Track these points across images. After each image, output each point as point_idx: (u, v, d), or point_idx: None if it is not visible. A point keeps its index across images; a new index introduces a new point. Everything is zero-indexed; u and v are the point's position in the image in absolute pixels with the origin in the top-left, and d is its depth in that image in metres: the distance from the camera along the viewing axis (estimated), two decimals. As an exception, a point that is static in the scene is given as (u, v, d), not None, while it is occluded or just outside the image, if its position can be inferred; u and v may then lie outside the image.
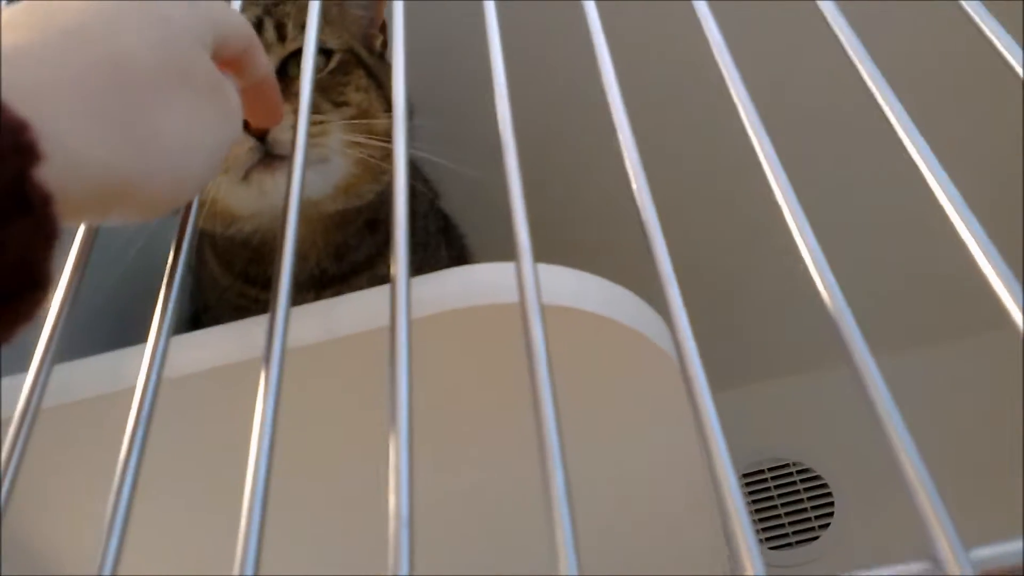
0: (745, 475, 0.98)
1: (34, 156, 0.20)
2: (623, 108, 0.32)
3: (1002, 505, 0.72)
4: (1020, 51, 0.27)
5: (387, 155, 0.56)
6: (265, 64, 0.35)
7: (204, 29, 0.30)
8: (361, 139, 0.55)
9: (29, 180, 0.20)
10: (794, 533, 0.93)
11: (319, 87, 0.55)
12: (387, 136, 0.57)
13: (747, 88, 0.31)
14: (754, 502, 0.96)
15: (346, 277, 0.62)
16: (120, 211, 0.25)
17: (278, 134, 0.50)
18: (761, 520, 0.95)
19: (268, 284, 0.28)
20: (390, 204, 0.30)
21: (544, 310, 0.26)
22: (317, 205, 0.58)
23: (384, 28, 0.65)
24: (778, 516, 0.95)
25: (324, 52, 0.58)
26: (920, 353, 0.98)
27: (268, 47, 0.54)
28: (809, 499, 0.95)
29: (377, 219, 0.62)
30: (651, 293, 0.29)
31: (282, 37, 0.56)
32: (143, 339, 0.28)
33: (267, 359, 0.26)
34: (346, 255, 0.62)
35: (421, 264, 0.67)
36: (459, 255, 0.79)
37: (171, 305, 0.29)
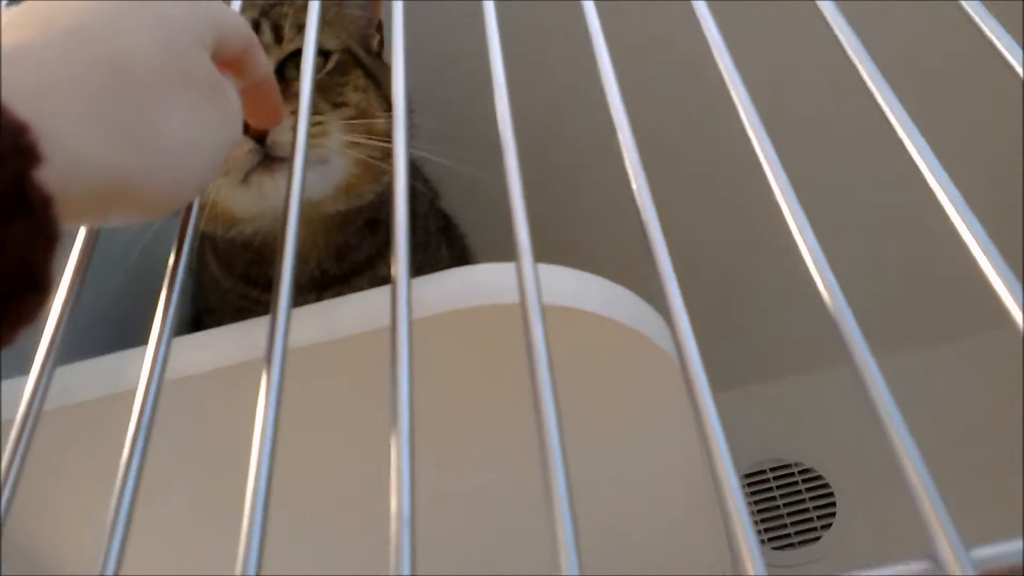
0: (747, 475, 0.98)
1: (34, 158, 0.20)
2: (623, 108, 0.32)
3: (1003, 505, 0.72)
4: (1020, 51, 0.27)
5: (387, 155, 0.56)
6: (265, 65, 0.35)
7: (204, 30, 0.30)
8: (360, 139, 0.55)
9: (29, 182, 0.20)
10: (796, 533, 0.93)
11: (317, 88, 0.55)
12: (386, 136, 0.57)
13: (747, 88, 0.31)
14: (756, 502, 0.96)
15: (347, 278, 0.62)
16: (120, 212, 0.25)
17: (277, 136, 0.50)
18: (763, 520, 0.95)
19: (269, 285, 0.28)
20: (390, 204, 0.30)
21: (545, 310, 0.26)
22: (318, 206, 0.58)
23: (381, 28, 0.65)
24: (780, 516, 0.95)
25: (322, 53, 0.58)
26: (921, 353, 0.98)
27: (265, 49, 0.54)
28: (811, 499, 0.95)
29: (377, 219, 0.62)
30: (652, 293, 0.29)
31: (279, 39, 0.56)
32: (144, 341, 0.28)
33: (268, 360, 0.26)
34: (347, 256, 0.62)
35: (422, 264, 0.67)
36: (460, 255, 0.79)
37: (172, 307, 0.29)
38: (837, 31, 0.32)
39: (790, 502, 0.96)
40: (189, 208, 0.33)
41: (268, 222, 0.57)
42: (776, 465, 0.98)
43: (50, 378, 0.27)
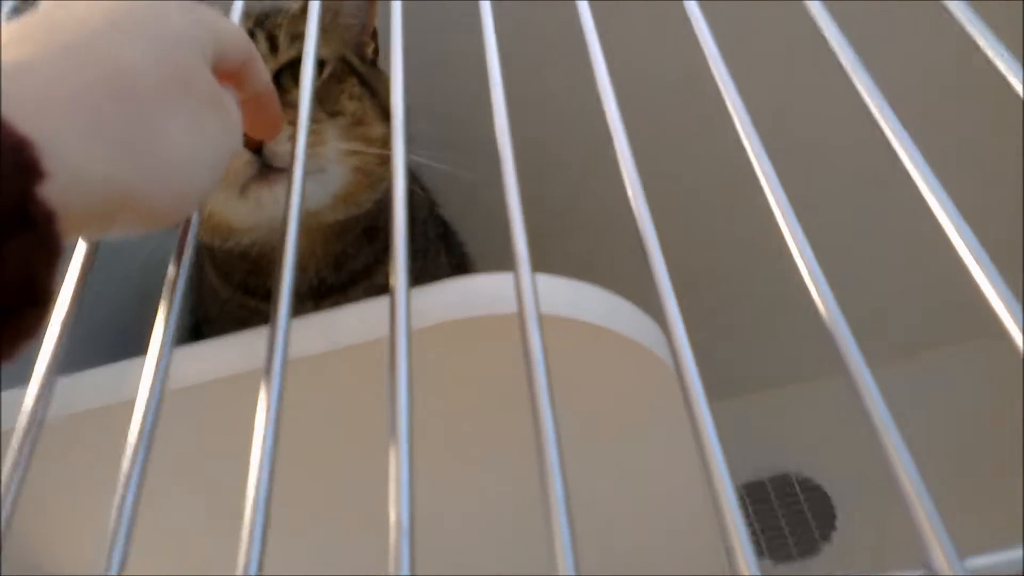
0: (746, 486, 0.98)
1: (37, 174, 0.20)
2: (620, 119, 0.32)
3: (1001, 514, 0.71)
4: (1020, 68, 0.27)
5: (384, 162, 0.56)
6: (264, 76, 0.36)
7: (204, 42, 0.30)
8: (357, 147, 0.55)
9: (32, 198, 0.20)
10: (796, 544, 0.93)
11: (313, 96, 0.55)
12: (383, 143, 0.57)
13: (744, 100, 0.31)
14: (756, 513, 0.96)
15: (344, 287, 0.62)
16: (122, 224, 0.25)
17: (275, 146, 0.50)
18: (763, 531, 0.95)
19: (268, 295, 0.29)
20: (388, 211, 0.31)
21: (542, 320, 0.26)
22: (316, 215, 0.58)
23: (375, 35, 0.65)
24: (780, 528, 0.95)
25: (317, 62, 0.58)
26: (920, 360, 0.98)
27: None
28: (811, 510, 0.95)
29: (375, 227, 0.62)
30: (649, 303, 0.29)
31: (274, 49, 0.56)
32: (143, 352, 0.29)
33: (268, 370, 0.26)
34: (344, 264, 0.62)
35: (421, 271, 0.67)
36: (459, 262, 0.79)
37: (173, 317, 0.29)
38: (833, 43, 0.32)
39: (790, 513, 0.95)
40: (189, 219, 0.33)
41: (265, 232, 0.57)
42: (775, 475, 0.98)
43: (52, 389, 0.27)
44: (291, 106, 0.36)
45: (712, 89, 0.32)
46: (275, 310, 0.28)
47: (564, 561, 0.20)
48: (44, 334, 0.28)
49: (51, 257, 0.20)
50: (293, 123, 0.35)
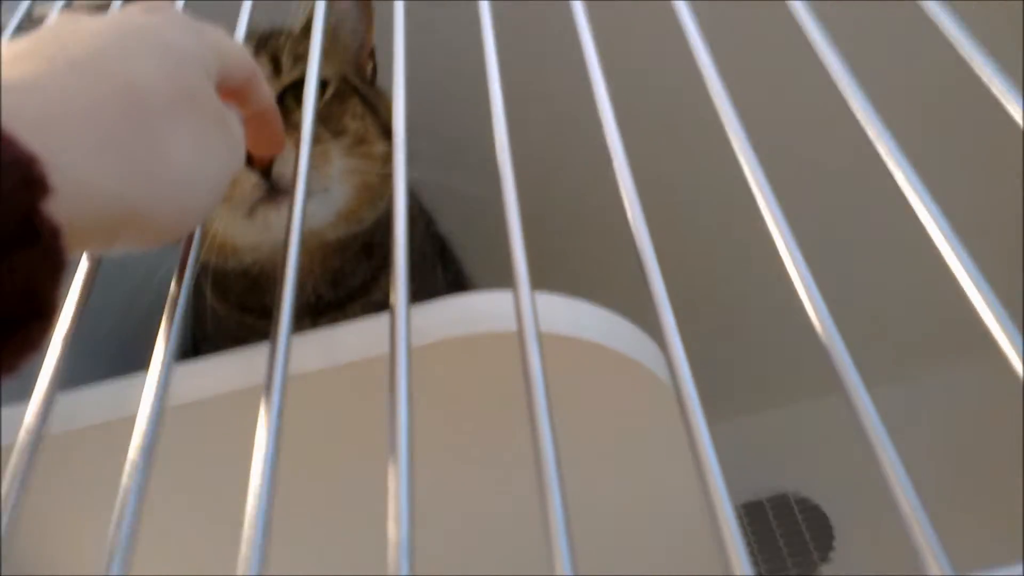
0: (744, 506, 0.98)
1: (43, 189, 0.20)
2: (619, 137, 0.32)
3: (998, 532, 0.71)
4: (1020, 96, 0.28)
5: (385, 179, 0.57)
6: (268, 94, 0.36)
7: (209, 60, 0.30)
8: (361, 165, 0.56)
9: (38, 213, 0.20)
10: (794, 565, 0.93)
11: (317, 117, 0.56)
12: (384, 161, 0.57)
13: (741, 120, 0.32)
14: (754, 534, 0.96)
15: (342, 304, 0.62)
16: (125, 239, 0.26)
17: (282, 168, 0.50)
18: (761, 551, 0.94)
19: (265, 312, 0.29)
20: (385, 227, 0.31)
21: (541, 338, 0.26)
22: (317, 233, 0.58)
23: (374, 55, 0.66)
24: (778, 548, 0.94)
25: (320, 83, 0.59)
26: (916, 379, 0.98)
27: None
28: (809, 531, 0.95)
29: (372, 243, 0.62)
30: (647, 322, 0.29)
31: (277, 70, 0.56)
32: (138, 369, 0.29)
33: (268, 387, 0.26)
34: (342, 281, 0.62)
35: (418, 288, 0.67)
36: (455, 279, 0.79)
37: (174, 333, 0.29)
38: (825, 59, 0.32)
39: (788, 532, 0.95)
40: (191, 237, 0.33)
41: (267, 252, 0.57)
42: (773, 495, 0.98)
43: (52, 405, 0.27)
44: (295, 126, 0.37)
45: (711, 110, 0.33)
46: (276, 326, 0.28)
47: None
48: (47, 348, 0.28)
49: (56, 271, 0.21)
50: (298, 143, 0.35)
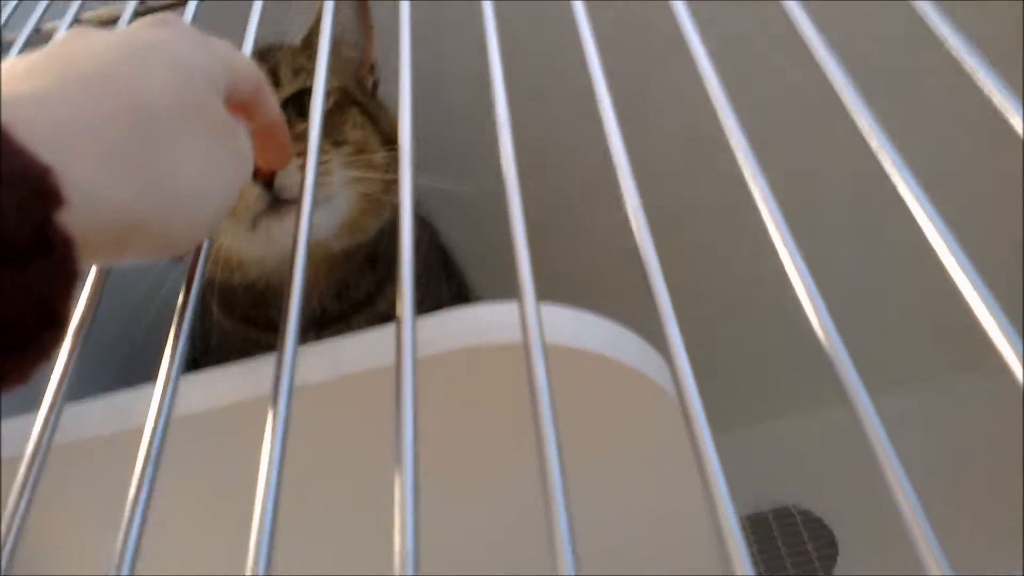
0: (748, 519, 0.97)
1: (57, 201, 0.21)
2: (623, 148, 0.33)
3: (1002, 542, 0.71)
4: (1020, 107, 0.28)
5: (388, 188, 0.57)
6: (275, 107, 0.36)
7: (218, 72, 0.30)
8: (363, 174, 0.56)
9: (52, 224, 0.20)
10: (798, 578, 0.93)
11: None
12: (386, 168, 0.58)
13: (744, 129, 0.32)
14: (757, 547, 0.95)
15: (346, 315, 0.62)
16: (135, 251, 0.26)
17: (284, 179, 0.50)
18: (765, 563, 0.94)
19: (270, 326, 0.29)
20: (390, 238, 0.31)
21: (546, 349, 0.26)
22: (323, 245, 0.58)
23: (374, 69, 0.66)
24: (781, 561, 0.94)
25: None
26: (921, 390, 0.98)
27: None
28: (813, 544, 0.95)
29: (376, 253, 0.63)
30: (652, 333, 0.29)
31: (277, 83, 0.57)
32: (145, 380, 0.29)
33: (274, 398, 0.26)
34: (346, 293, 0.62)
35: (422, 299, 0.67)
36: (458, 290, 0.79)
37: (181, 345, 0.29)
38: (834, 78, 0.33)
39: (791, 544, 0.95)
40: (198, 249, 0.33)
41: (272, 265, 0.57)
42: (777, 508, 0.97)
43: (59, 417, 0.28)
44: (296, 139, 0.37)
45: (715, 120, 0.33)
46: (282, 337, 0.28)
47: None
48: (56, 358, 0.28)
49: (68, 282, 0.21)
50: (301, 154, 0.35)
